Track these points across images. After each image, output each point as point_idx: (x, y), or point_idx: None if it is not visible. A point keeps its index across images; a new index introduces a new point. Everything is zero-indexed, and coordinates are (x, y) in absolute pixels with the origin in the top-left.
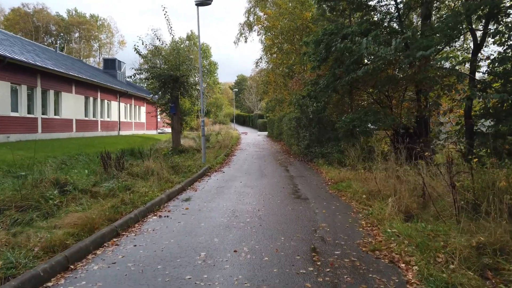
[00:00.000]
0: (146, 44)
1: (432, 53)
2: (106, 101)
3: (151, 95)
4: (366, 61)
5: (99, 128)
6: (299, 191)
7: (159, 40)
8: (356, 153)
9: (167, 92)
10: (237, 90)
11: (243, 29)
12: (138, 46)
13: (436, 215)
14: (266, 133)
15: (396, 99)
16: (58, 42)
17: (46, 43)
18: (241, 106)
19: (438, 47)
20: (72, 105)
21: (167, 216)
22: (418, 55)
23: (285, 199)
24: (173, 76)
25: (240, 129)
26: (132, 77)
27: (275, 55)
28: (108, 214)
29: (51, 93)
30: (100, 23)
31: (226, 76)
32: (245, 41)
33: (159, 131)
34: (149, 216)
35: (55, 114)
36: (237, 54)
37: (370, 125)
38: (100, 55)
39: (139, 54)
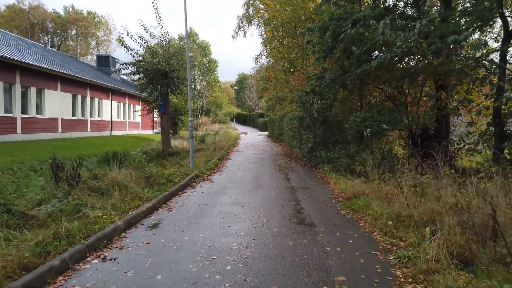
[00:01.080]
0: (132, 35)
1: (467, 37)
2: (96, 100)
3: (139, 92)
4: (377, 53)
5: (88, 128)
6: (303, 212)
7: (147, 32)
8: (375, 160)
9: (156, 89)
10: (237, 88)
11: (242, 22)
12: (123, 37)
13: (502, 259)
14: (266, 133)
15: (412, 96)
16: (55, 39)
17: (42, 41)
18: (242, 105)
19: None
20: (57, 104)
21: (114, 259)
22: (450, 40)
23: (285, 225)
24: (162, 70)
25: (241, 128)
26: (117, 72)
27: (275, 49)
28: (28, 257)
29: (33, 90)
30: (98, 20)
31: (228, 75)
32: (244, 35)
33: (155, 131)
34: (88, 259)
35: (37, 113)
36: (239, 53)
37: (383, 125)
38: (98, 53)
39: (125, 47)
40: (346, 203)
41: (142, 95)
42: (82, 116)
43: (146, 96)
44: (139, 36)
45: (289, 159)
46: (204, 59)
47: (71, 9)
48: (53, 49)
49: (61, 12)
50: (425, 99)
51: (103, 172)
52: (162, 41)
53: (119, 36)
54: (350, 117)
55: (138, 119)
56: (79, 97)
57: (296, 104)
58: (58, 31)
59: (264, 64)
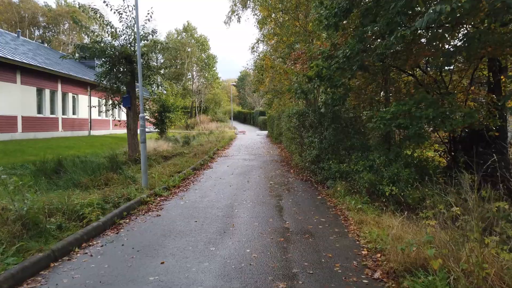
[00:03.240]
0: (84, 9)
1: None
2: (70, 95)
3: (98, 81)
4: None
5: (60, 128)
6: None
7: (108, 6)
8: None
9: (117, 77)
10: (235, 84)
11: (235, 6)
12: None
13: None
14: (266, 132)
15: (455, 82)
16: (47, 33)
17: (33, 36)
18: (244, 103)
19: None
20: (16, 99)
21: None
22: None
23: None
24: (123, 54)
25: (240, 127)
26: (63, 58)
27: (273, 32)
28: None
29: None
30: (92, 13)
31: (231, 73)
32: (238, 21)
33: (147, 129)
34: None
35: None
36: (232, 51)
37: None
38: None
39: (76, 23)
40: None
41: (102, 84)
42: (52, 113)
43: (107, 86)
44: (93, 9)
45: (287, 169)
46: (202, 54)
47: (63, 1)
48: (24, 38)
49: (53, 6)
50: (472, 87)
51: None
52: (121, 13)
53: (72, 16)
54: (371, 112)
55: (125, 117)
56: (47, 91)
57: (295, 95)
58: (50, 25)
59: (262, 52)
